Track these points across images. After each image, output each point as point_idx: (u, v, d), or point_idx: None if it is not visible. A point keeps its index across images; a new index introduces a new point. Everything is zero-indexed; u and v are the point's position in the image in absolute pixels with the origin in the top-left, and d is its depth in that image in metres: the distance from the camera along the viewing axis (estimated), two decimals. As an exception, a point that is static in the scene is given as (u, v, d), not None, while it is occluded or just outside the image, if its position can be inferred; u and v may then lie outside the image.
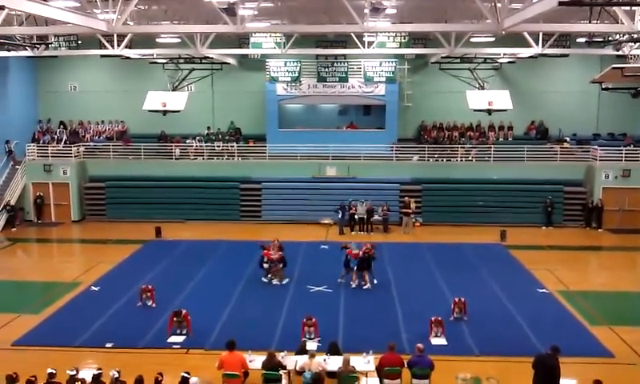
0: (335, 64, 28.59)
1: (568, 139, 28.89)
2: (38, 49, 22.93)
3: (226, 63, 28.31)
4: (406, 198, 25.80)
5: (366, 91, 29.05)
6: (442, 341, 13.79)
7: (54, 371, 10.60)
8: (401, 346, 12.89)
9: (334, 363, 11.47)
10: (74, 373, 10.52)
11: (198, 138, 29.55)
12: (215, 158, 28.76)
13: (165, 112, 24.90)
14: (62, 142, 29.06)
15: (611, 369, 12.56)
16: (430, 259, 21.01)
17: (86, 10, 16.32)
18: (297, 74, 28.68)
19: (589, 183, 26.90)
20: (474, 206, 26.60)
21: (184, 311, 14.27)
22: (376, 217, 25.41)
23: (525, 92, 29.48)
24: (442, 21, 21.58)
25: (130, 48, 22.61)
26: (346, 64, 28.59)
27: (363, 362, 11.62)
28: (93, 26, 15.97)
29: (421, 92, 30.37)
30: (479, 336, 14.12)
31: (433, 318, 14.08)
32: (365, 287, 17.73)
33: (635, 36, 18.50)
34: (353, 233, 24.76)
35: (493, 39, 24.76)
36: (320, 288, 17.75)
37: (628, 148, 26.87)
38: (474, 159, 28.03)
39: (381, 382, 11.32)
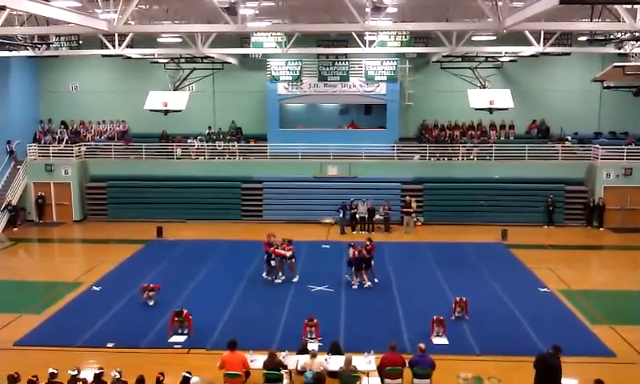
0: (336, 63, 28.55)
1: (569, 138, 28.85)
2: (39, 49, 22.93)
3: (227, 63, 28.30)
4: (407, 197, 25.79)
5: (367, 90, 29.02)
6: (443, 340, 13.78)
7: (56, 371, 10.61)
8: (402, 345, 12.89)
9: (335, 363, 11.47)
10: (76, 373, 10.53)
11: (199, 137, 29.58)
12: (216, 157, 28.78)
13: (166, 112, 24.91)
14: (64, 142, 29.09)
15: (612, 368, 12.55)
16: (432, 258, 21.00)
17: (87, 10, 16.31)
18: (298, 74, 28.65)
19: (590, 182, 26.87)
20: (476, 205, 26.59)
21: (185, 311, 14.28)
22: (377, 216, 25.40)
23: (526, 91, 29.45)
24: (443, 20, 21.55)
25: (131, 48, 22.60)
26: (347, 63, 28.55)
27: (365, 362, 11.62)
28: (94, 26, 15.96)
29: (422, 91, 30.34)
30: (480, 335, 14.12)
31: (434, 318, 14.07)
32: (365, 286, 17.74)
33: (637, 34, 18.47)
34: (354, 232, 24.76)
35: (494, 38, 24.74)
36: (321, 288, 17.74)
37: (629, 147, 26.84)
38: (475, 158, 28.01)
39: (382, 381, 11.31)
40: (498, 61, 27.26)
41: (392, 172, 27.49)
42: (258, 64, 29.76)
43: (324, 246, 22.96)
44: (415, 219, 25.86)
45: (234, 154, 28.77)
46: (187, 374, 10.50)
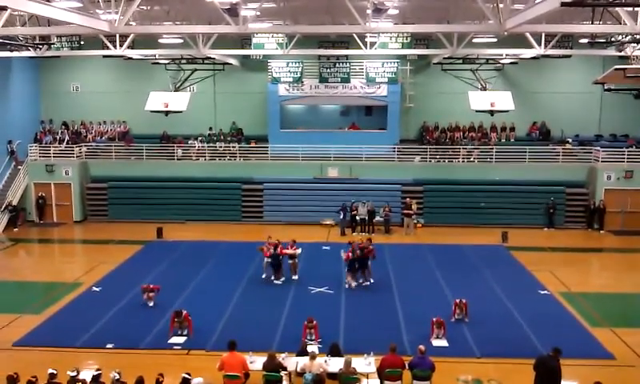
0: (337, 65, 28.56)
1: (570, 140, 28.83)
2: (40, 49, 22.94)
3: (228, 64, 28.30)
4: (408, 199, 25.79)
5: (368, 92, 29.02)
6: (443, 342, 13.77)
7: (55, 372, 10.61)
8: (402, 347, 12.88)
9: (335, 364, 11.48)
10: (75, 374, 10.53)
11: (199, 138, 29.60)
12: (217, 158, 28.79)
13: (167, 112, 24.87)
14: (64, 143, 29.11)
15: (612, 370, 12.56)
16: (432, 260, 21.00)
17: (88, 11, 16.32)
18: (299, 75, 28.65)
19: (591, 184, 26.86)
20: (476, 207, 26.57)
21: (185, 312, 14.28)
22: (378, 218, 25.39)
23: (527, 93, 29.44)
24: (444, 22, 21.56)
25: (132, 48, 22.62)
26: (348, 65, 28.56)
27: (364, 364, 11.62)
28: (95, 27, 15.97)
29: (423, 93, 30.34)
30: (480, 337, 14.11)
31: (434, 319, 14.07)
32: (364, 284, 17.85)
33: (638, 37, 18.47)
34: (354, 234, 24.72)
35: (495, 40, 24.71)
36: (321, 289, 17.74)
37: (630, 149, 26.82)
38: (475, 160, 28.02)
39: (382, 383, 11.30)
40: (499, 63, 27.22)
41: (392, 174, 27.49)
42: (258, 65, 29.76)
43: (324, 247, 22.96)
44: (415, 221, 25.85)
45: (235, 154, 28.78)
46: (187, 375, 10.51)
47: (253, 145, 29.33)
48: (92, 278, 18.96)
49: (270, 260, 18.47)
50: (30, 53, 23.62)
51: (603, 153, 26.62)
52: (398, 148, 28.40)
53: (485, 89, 25.77)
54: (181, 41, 24.01)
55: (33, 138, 29.60)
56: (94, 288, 17.96)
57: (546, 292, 17.68)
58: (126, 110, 31.08)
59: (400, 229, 25.60)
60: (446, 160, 28.18)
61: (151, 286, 16.55)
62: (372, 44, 22.31)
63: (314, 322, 13.56)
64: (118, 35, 20.80)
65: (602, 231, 25.74)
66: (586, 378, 11.31)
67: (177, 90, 26.54)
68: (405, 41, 22.21)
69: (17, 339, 14.10)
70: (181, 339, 13.94)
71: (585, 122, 29.83)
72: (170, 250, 22.46)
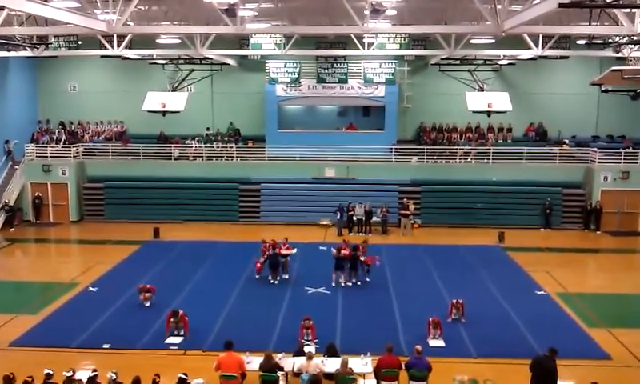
0: (335, 65, 28.55)
1: (567, 141, 28.87)
2: (37, 49, 22.92)
3: (225, 64, 28.30)
4: (405, 199, 25.81)
5: (366, 92, 29.00)
6: (439, 343, 13.78)
7: (52, 372, 10.60)
8: (399, 347, 12.89)
9: (331, 365, 11.47)
10: (71, 374, 10.52)
11: (197, 138, 29.55)
12: (214, 158, 28.77)
13: (164, 113, 24.85)
14: (61, 143, 29.05)
15: (608, 371, 12.59)
16: (429, 261, 21.01)
17: (86, 11, 16.30)
18: (296, 75, 28.62)
19: (588, 185, 26.91)
20: (473, 207, 26.61)
21: (181, 312, 14.27)
22: (375, 218, 25.40)
23: (524, 94, 29.46)
24: (441, 22, 21.59)
25: (129, 49, 22.59)
26: (345, 65, 28.54)
27: (361, 364, 11.63)
28: (93, 27, 15.97)
29: (420, 93, 30.36)
30: (477, 338, 14.12)
31: (431, 320, 14.08)
32: (343, 284, 18.01)
33: (635, 38, 18.53)
34: (351, 234, 24.71)
35: (493, 41, 24.77)
36: (318, 289, 17.74)
37: (627, 150, 26.90)
38: (472, 161, 28.05)
39: (378, 383, 11.31)
40: (497, 64, 27.29)
41: (390, 174, 27.50)
42: (256, 65, 29.76)
43: (321, 247, 22.93)
44: (412, 221, 25.87)
45: (232, 155, 28.76)
46: (183, 376, 10.50)
47: (250, 145, 29.31)
48: (88, 278, 18.93)
49: (267, 260, 18.49)
50: (28, 52, 23.61)
51: (600, 154, 26.68)
52: (396, 148, 28.41)
53: (482, 90, 25.82)
54: (178, 41, 24.00)
55: (30, 137, 29.53)
56: (91, 288, 17.93)
57: (542, 292, 17.71)
58: (124, 110, 31.04)
59: (397, 229, 25.61)
60: (443, 161, 28.20)
61: (148, 286, 16.54)
62: (370, 45, 22.33)
63: (311, 322, 13.57)
64: (115, 35, 20.80)
65: (598, 232, 25.79)
66: (583, 379, 11.34)
67: (174, 90, 26.53)
68: (402, 41, 22.27)
69: (13, 339, 14.07)
70: (177, 339, 13.93)
71: (582, 123, 29.88)
72: (166, 250, 22.43)
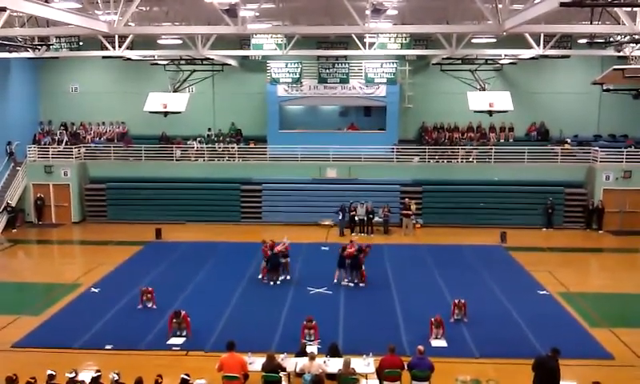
0: (336, 65, 28.54)
1: (569, 140, 28.84)
2: (39, 50, 22.92)
3: (227, 64, 28.32)
4: (407, 199, 25.80)
5: (367, 92, 29.01)
6: (442, 343, 13.78)
7: (54, 373, 10.61)
8: (401, 347, 12.89)
9: (334, 365, 11.48)
10: (73, 375, 10.52)
11: (198, 139, 29.59)
12: (216, 159, 28.78)
13: (166, 113, 24.91)
14: (63, 144, 29.08)
15: (611, 371, 12.57)
16: (431, 261, 21.00)
17: (87, 12, 16.33)
18: (298, 76, 28.62)
19: (589, 185, 26.87)
20: (475, 207, 26.58)
21: (183, 312, 14.27)
22: (377, 218, 25.39)
23: (526, 93, 29.45)
24: (443, 22, 21.57)
25: (131, 49, 22.63)
26: (346, 65, 28.54)
27: (363, 364, 11.62)
28: (94, 28, 15.98)
29: (422, 93, 30.35)
30: (479, 338, 14.11)
31: (433, 319, 14.07)
32: (343, 283, 18.00)
33: (636, 37, 18.51)
34: (353, 234, 24.70)
35: (494, 40, 24.74)
36: (320, 290, 17.74)
37: (629, 149, 26.84)
38: (474, 161, 28.03)
39: (381, 383, 11.30)
40: (498, 63, 27.27)
41: (391, 174, 27.49)
42: (257, 66, 29.76)
43: (323, 247, 22.95)
44: (414, 221, 25.86)
45: (234, 155, 28.77)
46: (186, 376, 10.50)
47: (252, 145, 29.32)
48: (91, 278, 18.95)
49: (267, 261, 18.48)
50: (29, 54, 23.60)
51: (602, 153, 26.64)
52: (397, 148, 28.40)
53: (484, 89, 25.82)
54: (180, 41, 24.01)
55: (31, 138, 29.57)
56: (93, 289, 17.95)
57: (544, 292, 17.70)
58: (125, 111, 31.08)
59: (399, 229, 25.61)
60: (445, 160, 28.19)
61: (149, 288, 16.51)
62: (371, 44, 22.32)
63: (313, 322, 13.56)
64: (116, 36, 20.84)
65: (600, 231, 25.76)
66: (585, 378, 11.31)
67: (176, 90, 26.58)
68: (404, 41, 22.22)
69: (16, 340, 14.09)
70: (180, 340, 13.93)
71: (583, 123, 29.87)
72: (168, 250, 22.44)
